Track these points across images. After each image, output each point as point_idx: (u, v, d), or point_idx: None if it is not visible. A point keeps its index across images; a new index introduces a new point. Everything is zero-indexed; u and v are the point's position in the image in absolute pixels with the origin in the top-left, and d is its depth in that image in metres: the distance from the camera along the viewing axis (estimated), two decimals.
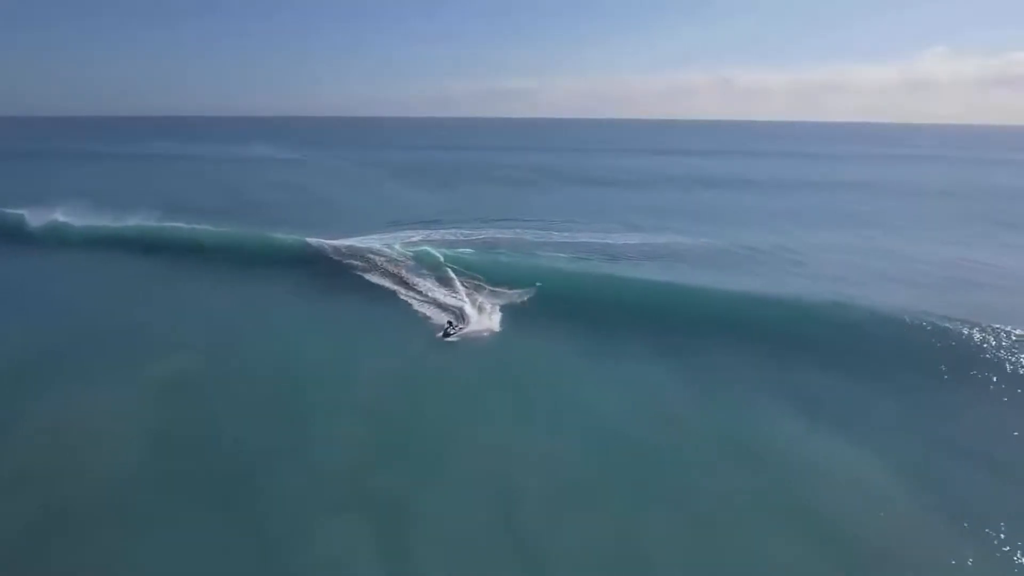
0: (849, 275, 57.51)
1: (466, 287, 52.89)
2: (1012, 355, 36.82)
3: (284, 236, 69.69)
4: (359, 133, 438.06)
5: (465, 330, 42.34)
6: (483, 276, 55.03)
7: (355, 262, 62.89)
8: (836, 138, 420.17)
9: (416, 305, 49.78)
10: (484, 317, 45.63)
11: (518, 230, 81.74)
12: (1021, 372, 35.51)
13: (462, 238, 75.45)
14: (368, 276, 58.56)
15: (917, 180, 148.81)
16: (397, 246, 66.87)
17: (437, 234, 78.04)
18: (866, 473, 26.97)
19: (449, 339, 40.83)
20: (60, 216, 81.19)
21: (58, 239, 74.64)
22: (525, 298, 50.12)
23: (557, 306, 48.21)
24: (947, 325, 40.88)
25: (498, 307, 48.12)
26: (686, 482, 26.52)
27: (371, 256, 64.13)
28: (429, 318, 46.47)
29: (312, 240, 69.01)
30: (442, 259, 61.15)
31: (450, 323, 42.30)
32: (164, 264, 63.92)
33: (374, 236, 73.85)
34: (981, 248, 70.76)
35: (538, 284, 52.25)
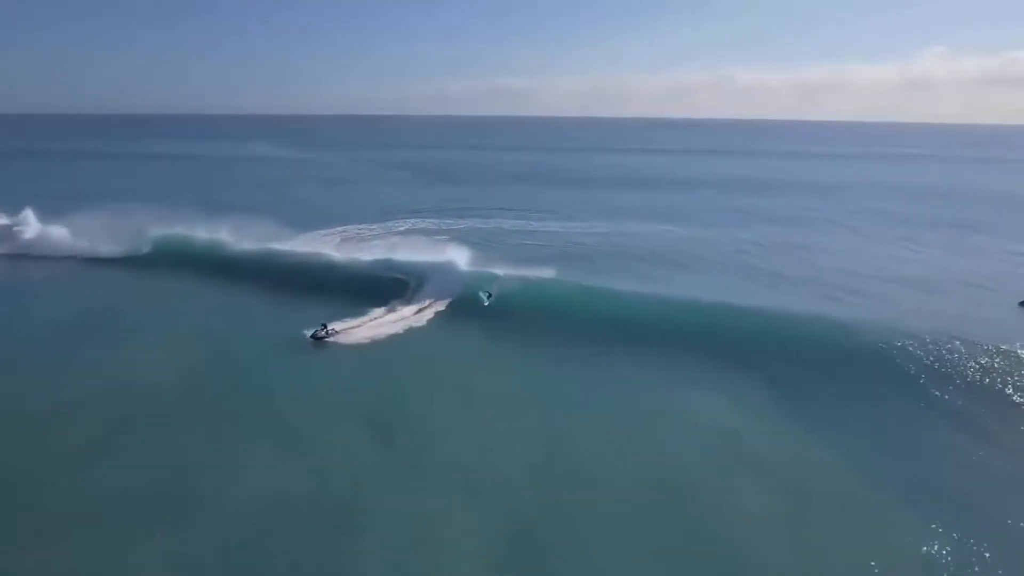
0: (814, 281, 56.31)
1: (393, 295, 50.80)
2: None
3: (250, 243, 65.75)
4: (359, 132, 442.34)
5: (339, 333, 42.23)
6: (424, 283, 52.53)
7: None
8: (837, 138, 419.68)
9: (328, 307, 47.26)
10: (370, 321, 45.03)
11: (498, 220, 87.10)
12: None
13: (444, 227, 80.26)
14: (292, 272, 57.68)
15: (919, 181, 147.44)
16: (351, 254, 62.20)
17: (424, 223, 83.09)
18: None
19: (320, 340, 41.07)
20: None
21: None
22: (442, 307, 48.72)
23: (475, 314, 47.40)
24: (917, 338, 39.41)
25: (410, 311, 47.26)
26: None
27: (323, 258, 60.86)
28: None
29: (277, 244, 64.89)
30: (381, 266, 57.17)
31: (323, 325, 41.96)
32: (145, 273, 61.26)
33: (361, 226, 78.54)
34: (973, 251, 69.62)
35: (485, 295, 49.25)
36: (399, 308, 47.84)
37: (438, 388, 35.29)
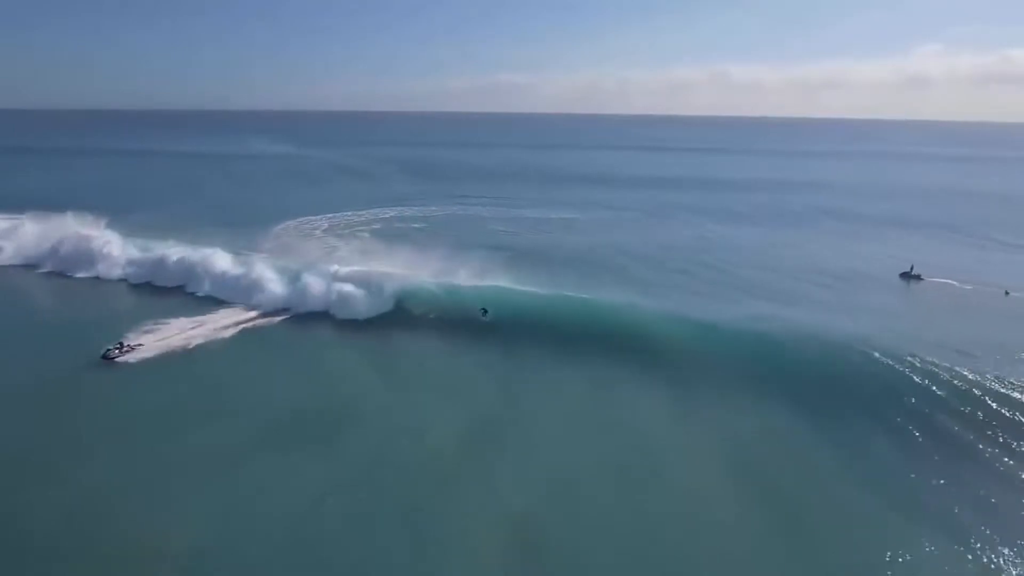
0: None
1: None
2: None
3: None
4: (359, 128, 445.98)
5: (134, 350, 39.93)
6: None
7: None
8: (833, 136, 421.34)
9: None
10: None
11: (481, 206, 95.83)
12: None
13: (425, 215, 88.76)
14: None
15: (898, 180, 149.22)
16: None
17: (410, 211, 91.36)
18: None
19: (112, 360, 38.77)
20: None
21: None
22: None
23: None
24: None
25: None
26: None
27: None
28: None
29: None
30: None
31: (120, 344, 39.89)
32: None
33: (350, 213, 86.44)
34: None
35: (481, 311, 45.94)
36: (222, 318, 45.87)
37: (209, 402, 34.16)
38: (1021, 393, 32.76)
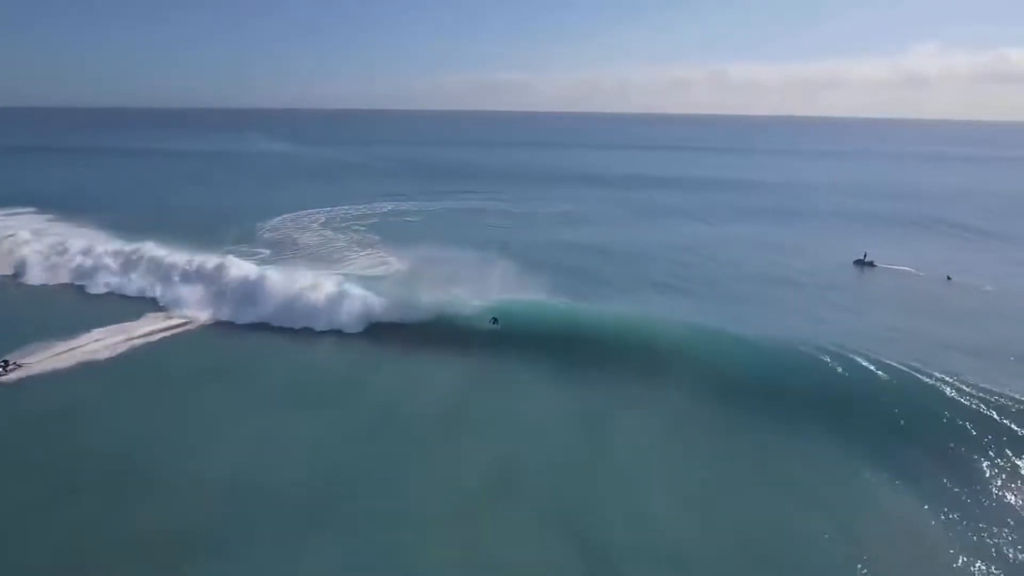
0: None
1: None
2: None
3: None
4: (359, 127, 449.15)
5: (21, 367, 36.59)
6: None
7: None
8: (832, 136, 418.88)
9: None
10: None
11: (474, 202, 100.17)
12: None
13: (418, 208, 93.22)
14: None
15: (887, 180, 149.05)
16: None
17: (405, 205, 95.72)
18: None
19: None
20: None
21: None
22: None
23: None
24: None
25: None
26: None
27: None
28: None
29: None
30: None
31: (6, 361, 36.54)
32: None
33: (347, 207, 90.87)
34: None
35: (491, 320, 43.75)
36: (130, 328, 42.57)
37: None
38: (937, 371, 34.99)
